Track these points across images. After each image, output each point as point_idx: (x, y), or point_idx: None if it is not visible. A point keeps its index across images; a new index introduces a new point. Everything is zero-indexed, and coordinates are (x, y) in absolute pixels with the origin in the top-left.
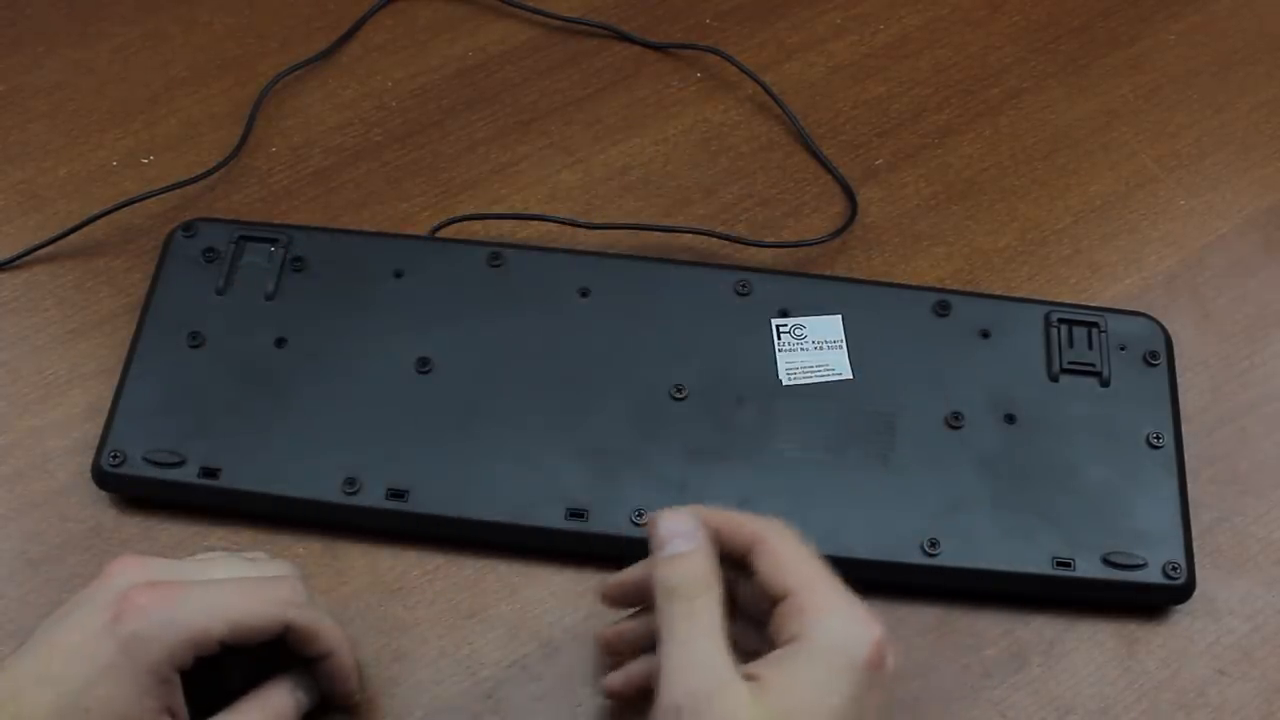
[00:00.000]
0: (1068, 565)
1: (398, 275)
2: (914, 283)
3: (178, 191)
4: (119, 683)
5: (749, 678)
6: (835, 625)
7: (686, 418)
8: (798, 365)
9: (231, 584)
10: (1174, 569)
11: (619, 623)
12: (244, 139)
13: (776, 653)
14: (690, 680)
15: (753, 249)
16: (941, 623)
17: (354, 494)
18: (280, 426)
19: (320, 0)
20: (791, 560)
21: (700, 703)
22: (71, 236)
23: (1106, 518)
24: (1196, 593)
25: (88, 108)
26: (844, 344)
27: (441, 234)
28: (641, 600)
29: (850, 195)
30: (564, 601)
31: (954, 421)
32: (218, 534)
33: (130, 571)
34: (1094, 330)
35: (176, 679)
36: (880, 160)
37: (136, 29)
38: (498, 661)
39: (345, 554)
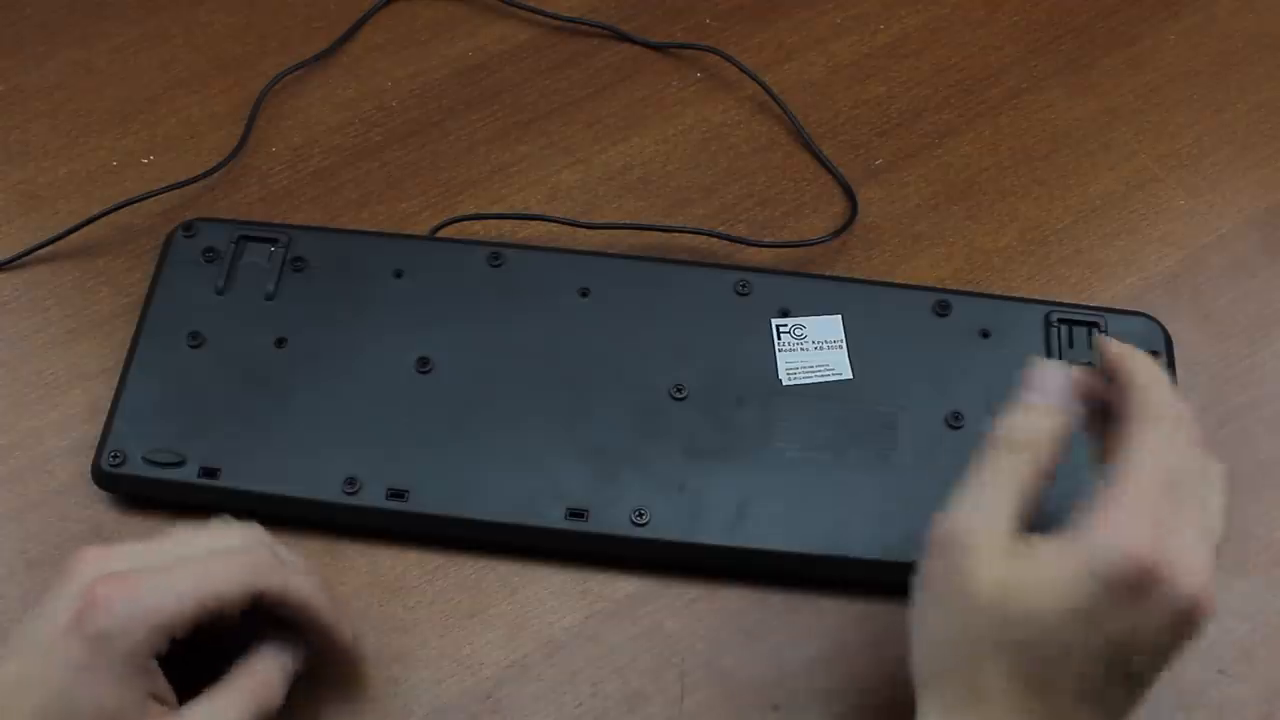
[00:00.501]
0: None
1: (398, 275)
2: (914, 283)
3: (178, 191)
4: (96, 681)
5: (1023, 543)
6: (1107, 531)
7: (686, 418)
8: (798, 365)
9: (195, 562)
10: None
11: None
12: (244, 139)
13: (1058, 533)
14: (963, 518)
15: (753, 249)
16: None
17: (354, 494)
18: (280, 426)
19: (320, 0)
20: (1138, 441)
21: (958, 540)
22: (71, 236)
23: None
24: None
25: (88, 108)
26: (844, 344)
27: (441, 234)
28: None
29: (850, 195)
30: (564, 601)
31: (954, 421)
32: None
33: (92, 564)
34: (1094, 330)
35: (154, 665)
36: (880, 160)
37: (136, 29)
38: (498, 661)
39: (345, 554)
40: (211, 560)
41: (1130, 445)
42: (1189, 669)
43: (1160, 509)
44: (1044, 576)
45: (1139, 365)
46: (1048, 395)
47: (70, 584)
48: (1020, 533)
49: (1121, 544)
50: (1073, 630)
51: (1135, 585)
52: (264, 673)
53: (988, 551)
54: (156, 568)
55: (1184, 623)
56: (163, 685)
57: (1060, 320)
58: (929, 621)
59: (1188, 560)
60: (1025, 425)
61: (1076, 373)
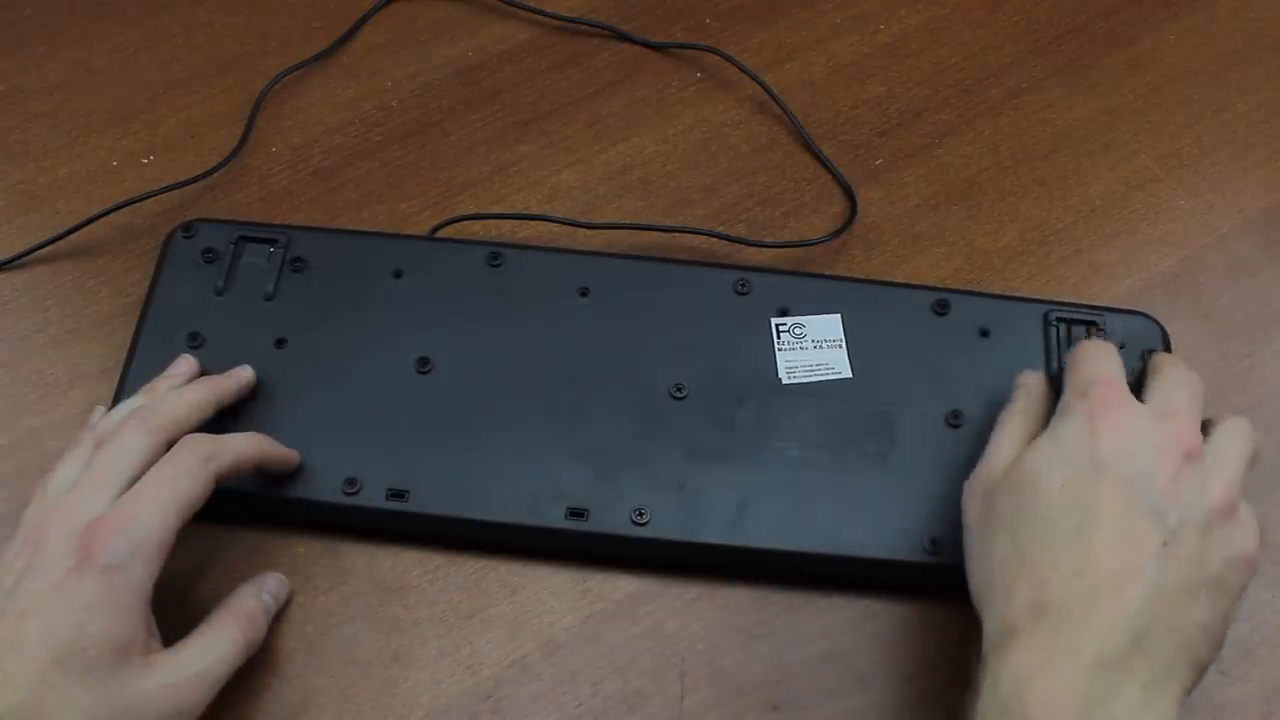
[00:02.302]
0: None
1: (397, 275)
2: (914, 282)
3: (178, 191)
4: (107, 614)
5: None
6: (1067, 382)
7: (686, 417)
8: (797, 364)
9: (158, 477)
10: None
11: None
12: (244, 139)
13: None
14: (991, 463)
15: (753, 249)
16: (943, 621)
17: (354, 494)
18: (279, 427)
19: (320, 0)
20: (1076, 356)
21: (990, 475)
22: (71, 236)
23: None
24: None
25: (88, 108)
26: (844, 343)
27: (441, 234)
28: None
29: (850, 195)
30: (564, 601)
31: (953, 420)
32: (217, 535)
33: (65, 522)
34: (1093, 329)
35: (151, 597)
36: (880, 160)
37: (136, 29)
38: (498, 661)
39: (345, 554)
40: (174, 471)
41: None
42: None
43: (1112, 380)
44: (1035, 444)
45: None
46: (1030, 388)
47: (53, 541)
48: None
49: (1074, 384)
50: (1058, 465)
51: (1091, 410)
52: (248, 608)
53: (1000, 465)
54: (131, 501)
55: (1166, 448)
56: (153, 622)
57: (1059, 319)
58: (974, 547)
59: (1103, 383)
60: (1025, 399)
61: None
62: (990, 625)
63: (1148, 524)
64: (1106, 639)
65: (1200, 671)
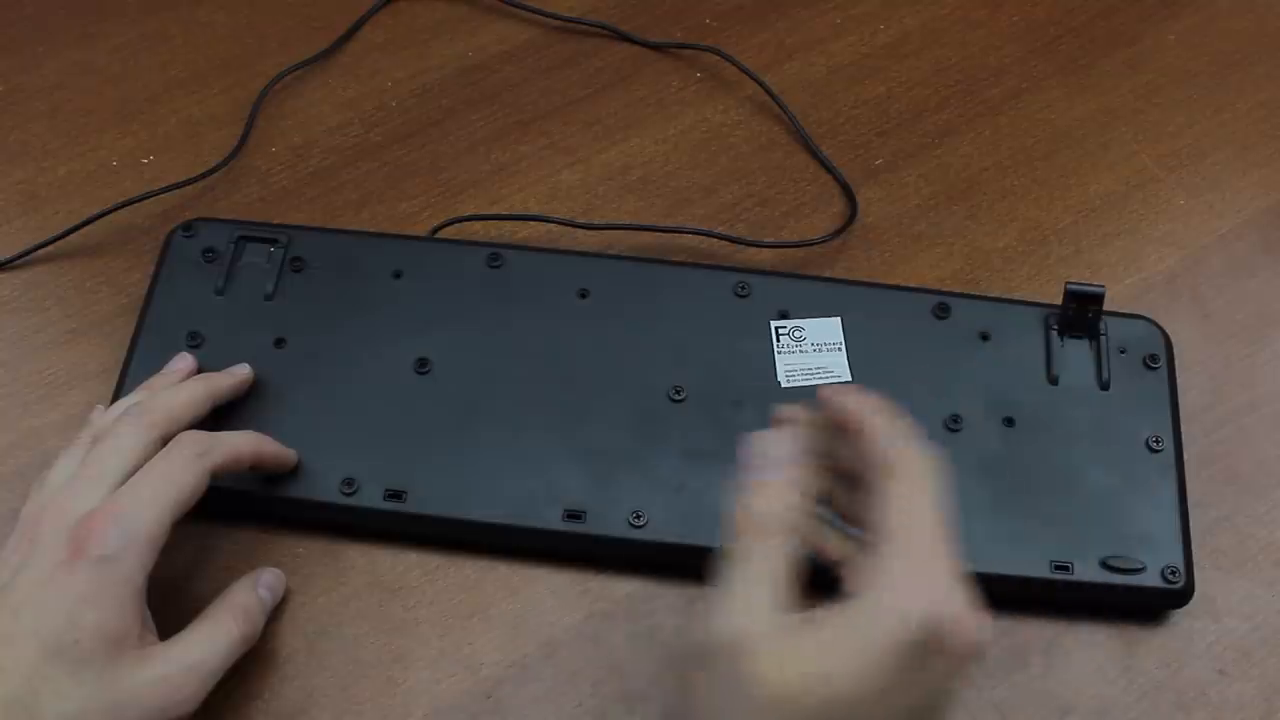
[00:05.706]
0: (1066, 569)
1: (397, 276)
2: (914, 282)
3: (178, 191)
4: (99, 606)
5: (803, 626)
6: (897, 598)
7: (685, 419)
8: (797, 367)
9: (152, 472)
10: (1173, 573)
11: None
12: (244, 139)
13: (839, 607)
14: (728, 621)
15: (752, 249)
16: None
17: (351, 495)
18: (278, 426)
19: (320, 0)
20: (901, 499)
21: (730, 645)
22: (71, 236)
23: (1105, 522)
24: (1196, 593)
25: (88, 108)
26: (843, 346)
27: (441, 234)
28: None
29: (850, 195)
30: (564, 601)
31: (953, 424)
32: (216, 534)
33: (59, 517)
34: (1090, 338)
35: (144, 593)
36: (880, 160)
37: (136, 29)
38: (498, 661)
39: (345, 554)
40: (168, 464)
41: (891, 504)
42: (1189, 669)
43: (936, 567)
44: (836, 658)
45: (869, 415)
46: (776, 468)
47: (46, 536)
48: (793, 615)
49: (915, 610)
50: (872, 704)
51: (930, 648)
52: (243, 604)
53: (767, 648)
54: (126, 493)
55: (964, 670)
56: (148, 616)
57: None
58: None
59: (967, 613)
60: (764, 509)
61: (800, 429)
62: None
63: None
64: None
65: None
